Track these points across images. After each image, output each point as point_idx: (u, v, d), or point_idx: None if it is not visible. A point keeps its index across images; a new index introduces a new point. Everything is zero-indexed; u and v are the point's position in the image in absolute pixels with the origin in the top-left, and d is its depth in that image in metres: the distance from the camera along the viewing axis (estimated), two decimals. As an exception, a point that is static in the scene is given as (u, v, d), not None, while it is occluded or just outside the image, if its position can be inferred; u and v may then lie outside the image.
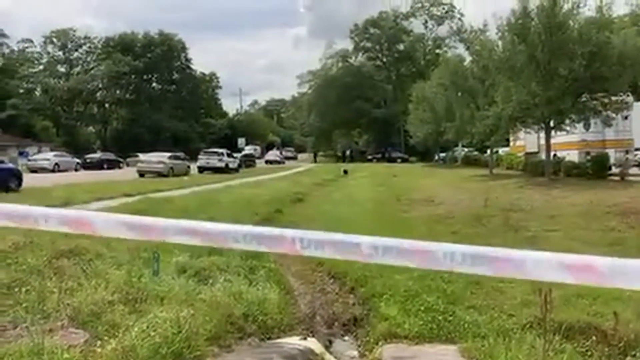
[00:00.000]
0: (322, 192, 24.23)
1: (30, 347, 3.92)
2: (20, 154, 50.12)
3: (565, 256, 1.91)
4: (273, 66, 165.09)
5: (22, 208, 2.26)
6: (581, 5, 21.60)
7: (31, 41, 73.31)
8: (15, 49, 71.57)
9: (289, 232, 2.11)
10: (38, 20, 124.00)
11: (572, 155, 27.31)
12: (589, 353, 4.52)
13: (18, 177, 18.13)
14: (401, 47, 79.31)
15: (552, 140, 24.33)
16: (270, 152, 69.44)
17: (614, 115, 23.60)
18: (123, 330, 4.36)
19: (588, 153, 26.36)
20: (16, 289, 5.49)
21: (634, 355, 4.42)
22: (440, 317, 5.57)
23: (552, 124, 23.36)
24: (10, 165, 21.76)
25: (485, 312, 5.69)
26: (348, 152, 75.57)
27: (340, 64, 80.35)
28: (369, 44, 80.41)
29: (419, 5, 79.52)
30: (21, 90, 68.48)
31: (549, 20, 20.84)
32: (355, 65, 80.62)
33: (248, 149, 65.73)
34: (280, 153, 71.46)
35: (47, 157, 41.82)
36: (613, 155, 25.53)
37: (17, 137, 55.71)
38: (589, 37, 20.41)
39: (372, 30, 79.07)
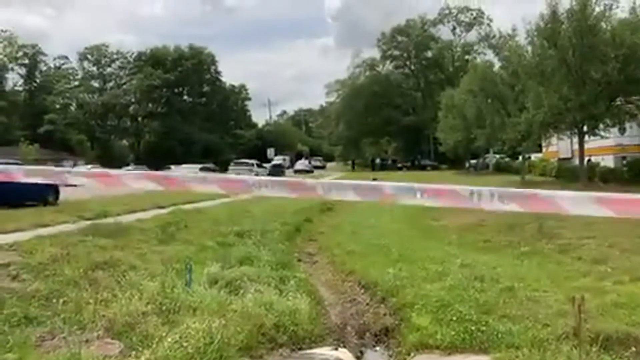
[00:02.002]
0: (351, 202, 24.17)
1: (68, 357, 4.02)
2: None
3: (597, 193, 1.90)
4: (301, 76, 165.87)
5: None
6: (613, 7, 21.19)
7: (67, 58, 75.50)
8: (52, 66, 73.84)
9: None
10: (73, 38, 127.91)
11: (607, 160, 26.67)
12: (628, 364, 4.38)
13: (55, 191, 18.60)
14: (429, 54, 78.77)
15: (586, 146, 23.81)
16: (299, 162, 69.64)
17: (650, 118, 23.01)
18: (156, 341, 4.43)
19: (624, 158, 25.70)
20: (54, 300, 5.64)
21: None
22: (472, 327, 5.49)
23: (585, 128, 22.87)
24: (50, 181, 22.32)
25: (519, 322, 5.58)
26: (378, 160, 75.29)
27: (367, 73, 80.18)
28: (396, 52, 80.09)
29: (447, 11, 79.00)
30: (57, 106, 70.39)
31: (580, 23, 20.49)
32: (383, 73, 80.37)
33: (277, 159, 66.09)
34: (309, 162, 71.63)
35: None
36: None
37: (53, 152, 57.39)
38: (623, 39, 19.96)
39: (399, 38, 78.78)
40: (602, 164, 25.97)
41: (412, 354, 5.23)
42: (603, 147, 26.71)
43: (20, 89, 71.48)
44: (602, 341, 4.62)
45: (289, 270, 8.51)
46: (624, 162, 24.67)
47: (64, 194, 20.59)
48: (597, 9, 20.90)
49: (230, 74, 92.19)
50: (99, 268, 7.14)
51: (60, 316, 5.14)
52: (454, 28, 78.89)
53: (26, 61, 70.24)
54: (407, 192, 2.28)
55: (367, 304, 7.50)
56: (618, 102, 22.10)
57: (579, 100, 20.78)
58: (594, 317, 5.41)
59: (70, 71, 76.15)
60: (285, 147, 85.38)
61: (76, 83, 75.66)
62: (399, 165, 72.35)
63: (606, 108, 21.56)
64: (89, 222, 11.46)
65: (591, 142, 25.08)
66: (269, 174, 43.46)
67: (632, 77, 20.22)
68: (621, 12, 21.32)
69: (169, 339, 4.41)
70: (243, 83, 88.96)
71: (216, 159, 60.44)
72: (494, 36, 30.85)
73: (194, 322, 4.84)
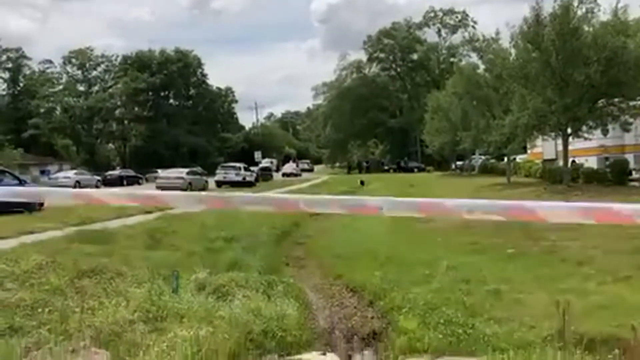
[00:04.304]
0: (340, 204, 24.20)
1: (54, 368, 3.99)
2: (42, 172, 50.98)
3: (578, 203, 2.18)
4: (288, 79, 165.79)
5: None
6: (595, 10, 21.41)
7: (51, 62, 74.76)
8: (36, 69, 73.12)
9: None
10: (59, 42, 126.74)
11: (591, 162, 26.97)
12: (611, 366, 4.44)
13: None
14: (415, 56, 79.20)
15: (570, 147, 24.05)
16: (287, 165, 69.55)
17: (632, 120, 23.28)
18: (144, 350, 4.41)
19: (607, 158, 26.01)
20: (39, 309, 5.58)
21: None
22: (459, 330, 5.54)
23: (569, 130, 23.09)
24: (33, 185, 22.11)
25: (506, 324, 5.65)
26: (364, 163, 75.50)
27: (354, 75, 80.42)
28: (382, 55, 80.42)
29: (432, 14, 79.52)
30: (42, 110, 69.66)
31: (562, 26, 20.66)
32: (370, 75, 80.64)
33: (265, 162, 65.96)
34: (297, 165, 71.54)
35: (68, 175, 42.42)
36: (632, 160, 25.12)
37: (38, 156, 56.76)
38: (605, 42, 20.17)
39: (385, 41, 79.11)
40: (586, 165, 26.24)
41: (400, 358, 5.26)
42: (587, 148, 27.01)
43: (4, 93, 70.69)
44: (586, 343, 4.69)
45: (277, 275, 8.52)
46: (607, 162, 24.95)
47: (49, 197, 20.47)
48: (579, 12, 21.12)
49: (217, 77, 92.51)
50: (85, 276, 7.09)
51: (46, 326, 5.09)
52: (439, 30, 79.55)
53: (10, 65, 69.50)
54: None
55: (355, 308, 7.53)
56: (600, 104, 22.35)
57: (562, 103, 20.97)
58: (578, 318, 5.48)
59: (55, 75, 75.47)
60: (272, 150, 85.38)
61: (61, 87, 74.93)
62: (386, 167, 72.64)
63: (589, 110, 21.77)
64: (74, 229, 11.37)
65: (575, 144, 25.36)
66: (257, 177, 43.37)
67: (615, 79, 20.44)
68: (603, 14, 21.58)
69: (156, 348, 4.40)
70: (229, 86, 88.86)
71: (203, 162, 60.23)
72: (477, 39, 31.07)
73: (181, 330, 4.84)
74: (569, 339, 4.45)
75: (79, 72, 76.44)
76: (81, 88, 76.69)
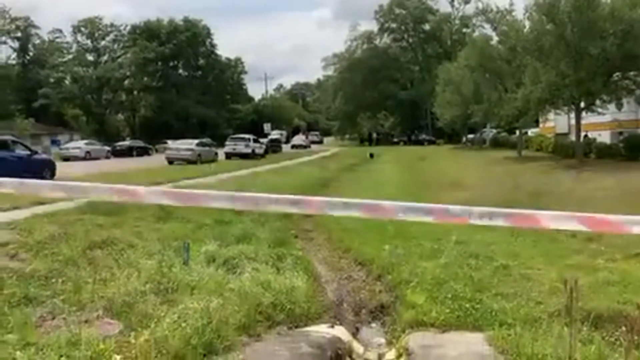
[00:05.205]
0: (349, 177, 24.24)
1: (68, 338, 4.08)
2: (53, 142, 51.35)
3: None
4: (298, 49, 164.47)
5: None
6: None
7: (60, 31, 74.58)
8: (46, 39, 72.92)
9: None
10: (67, 11, 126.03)
11: (604, 136, 26.68)
12: (617, 343, 4.47)
13: (52, 168, 18.59)
14: (427, 27, 77.98)
15: (583, 121, 23.81)
16: (296, 137, 69.45)
17: (647, 94, 22.98)
18: (155, 321, 4.49)
19: (620, 133, 25.70)
20: (53, 280, 5.69)
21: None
22: (467, 305, 5.57)
23: (582, 104, 22.82)
24: (44, 155, 22.30)
25: (513, 300, 5.67)
26: (375, 135, 75.17)
27: (365, 46, 79.45)
28: (394, 25, 79.21)
29: (445, -17, 77.95)
30: (52, 80, 69.80)
31: (579, -2, 20.27)
32: (381, 46, 79.65)
33: (274, 134, 65.90)
34: (306, 137, 71.45)
35: (79, 145, 42.69)
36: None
37: (49, 126, 57.11)
38: (622, 14, 19.78)
39: (397, 11, 77.85)
40: (599, 139, 25.96)
41: (407, 332, 5.31)
42: (600, 122, 26.70)
43: (14, 62, 70.67)
44: (593, 319, 4.71)
45: (286, 247, 8.58)
46: (620, 137, 24.67)
47: (61, 167, 20.61)
48: (597, -16, 20.67)
49: (226, 47, 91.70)
50: (97, 247, 7.19)
51: (60, 296, 5.19)
52: (452, 0, 78.00)
53: (19, 34, 69.32)
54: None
55: (364, 281, 7.59)
56: (615, 78, 22.02)
57: (576, 77, 20.69)
58: (586, 294, 5.50)
59: (64, 45, 75.27)
60: (282, 122, 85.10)
61: (70, 56, 74.87)
62: (396, 140, 72.34)
63: (603, 84, 21.49)
64: (86, 200, 11.46)
65: (588, 118, 25.07)
66: (267, 149, 43.38)
67: (630, 53, 20.09)
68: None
69: (168, 319, 4.47)
70: (239, 56, 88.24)
71: (212, 133, 60.23)
72: (491, 10, 30.56)
73: (192, 302, 4.90)
74: (576, 315, 4.46)
75: (88, 41, 76.27)
76: (90, 58, 76.60)
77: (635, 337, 4.47)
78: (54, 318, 4.73)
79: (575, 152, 23.16)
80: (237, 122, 77.89)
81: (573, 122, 25.14)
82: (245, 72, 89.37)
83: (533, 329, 4.72)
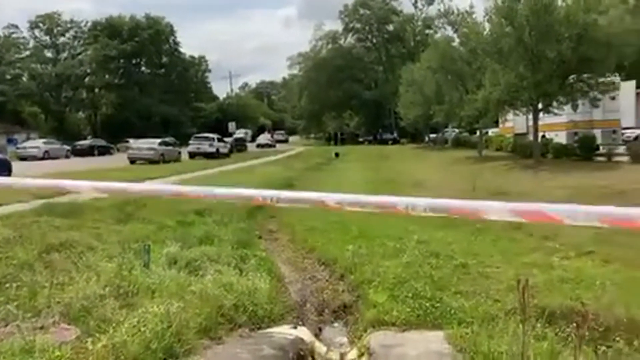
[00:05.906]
0: (314, 176, 24.29)
1: (22, 345, 3.97)
2: (9, 141, 49.72)
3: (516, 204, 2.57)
4: (263, 48, 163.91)
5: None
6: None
7: (16, 27, 72.29)
8: (1, 34, 70.57)
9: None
10: (24, 6, 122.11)
11: (561, 137, 27.45)
12: (569, 339, 4.62)
13: (8, 168, 17.98)
14: (391, 27, 78.79)
15: (541, 122, 24.46)
16: (262, 136, 69.18)
17: (601, 96, 23.74)
18: (114, 326, 4.41)
19: (576, 134, 26.50)
20: (7, 285, 5.51)
21: (614, 340, 4.53)
22: (427, 304, 5.67)
23: (540, 106, 23.44)
24: (0, 155, 21.57)
25: (472, 298, 5.79)
26: (340, 135, 75.51)
27: (330, 46, 79.78)
28: (358, 25, 79.78)
29: (408, -16, 78.86)
30: (8, 77, 67.60)
31: (536, 2, 20.77)
32: (345, 46, 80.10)
33: (239, 133, 65.48)
34: (272, 136, 71.25)
35: (37, 144, 41.42)
36: (600, 135, 25.65)
37: (5, 124, 55.18)
38: (576, 18, 20.38)
39: (361, 11, 78.39)
40: (556, 140, 26.70)
41: (368, 331, 5.37)
42: (556, 123, 27.45)
43: (-33, 58, 68.22)
44: (547, 316, 4.85)
45: (249, 248, 8.56)
46: (576, 138, 25.45)
47: (17, 168, 19.98)
48: (553, -12, 21.24)
49: (190, 45, 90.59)
50: (54, 250, 7.00)
51: (14, 302, 5.04)
52: (416, 1, 78.96)
53: (-28, 29, 66.97)
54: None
55: (327, 281, 7.62)
56: (571, 81, 22.69)
57: (534, 79, 21.23)
58: (541, 292, 5.68)
59: (22, 40, 73.02)
60: (247, 121, 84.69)
61: (27, 53, 72.63)
62: (361, 139, 72.87)
63: (559, 86, 22.11)
64: (42, 201, 11.17)
65: (545, 119, 25.77)
66: (231, 149, 43.07)
67: (584, 56, 20.72)
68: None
69: (127, 324, 4.40)
70: (203, 54, 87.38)
71: (176, 132, 59.47)
72: (452, 12, 31.07)
73: (152, 305, 4.84)
74: (530, 312, 4.59)
75: (47, 37, 74.17)
76: (49, 54, 74.57)
77: (586, 333, 4.65)
78: (7, 325, 4.59)
79: (533, 152, 23.76)
80: (201, 120, 77.11)
81: (531, 122, 25.79)
82: (209, 71, 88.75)
83: (490, 326, 4.82)
